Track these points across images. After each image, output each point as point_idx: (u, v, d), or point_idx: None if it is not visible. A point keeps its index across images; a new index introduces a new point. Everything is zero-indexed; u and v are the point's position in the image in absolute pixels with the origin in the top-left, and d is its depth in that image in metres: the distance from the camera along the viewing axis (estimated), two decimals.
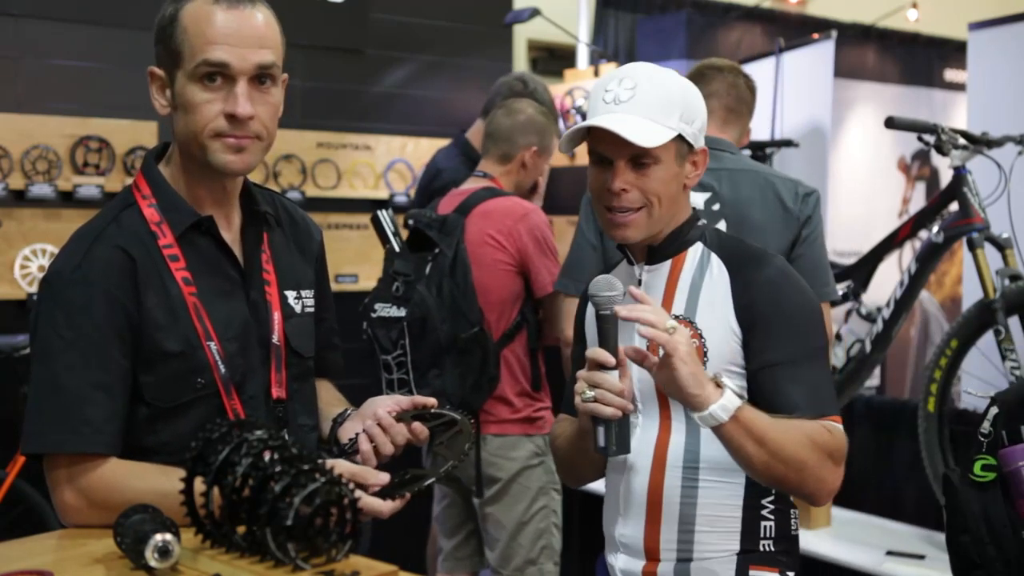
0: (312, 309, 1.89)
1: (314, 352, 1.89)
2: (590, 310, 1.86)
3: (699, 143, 1.88)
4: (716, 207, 2.70)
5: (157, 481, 1.57)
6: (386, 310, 3.16)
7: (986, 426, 1.84)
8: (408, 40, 5.06)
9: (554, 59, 6.41)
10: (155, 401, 1.68)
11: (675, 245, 1.91)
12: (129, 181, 1.81)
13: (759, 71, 4.14)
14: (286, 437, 1.58)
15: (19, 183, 4.07)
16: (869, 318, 3.65)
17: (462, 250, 3.19)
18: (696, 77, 2.86)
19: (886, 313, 3.54)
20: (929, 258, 3.41)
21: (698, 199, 2.67)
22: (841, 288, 3.53)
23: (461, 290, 3.16)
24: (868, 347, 3.58)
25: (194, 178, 1.75)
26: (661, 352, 1.68)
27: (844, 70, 5.63)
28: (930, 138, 3.28)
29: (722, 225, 2.66)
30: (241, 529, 1.34)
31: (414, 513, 3.51)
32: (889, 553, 3.37)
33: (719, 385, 1.68)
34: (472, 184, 3.40)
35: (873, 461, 3.87)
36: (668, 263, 1.91)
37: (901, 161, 6.56)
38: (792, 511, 1.95)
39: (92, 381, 1.62)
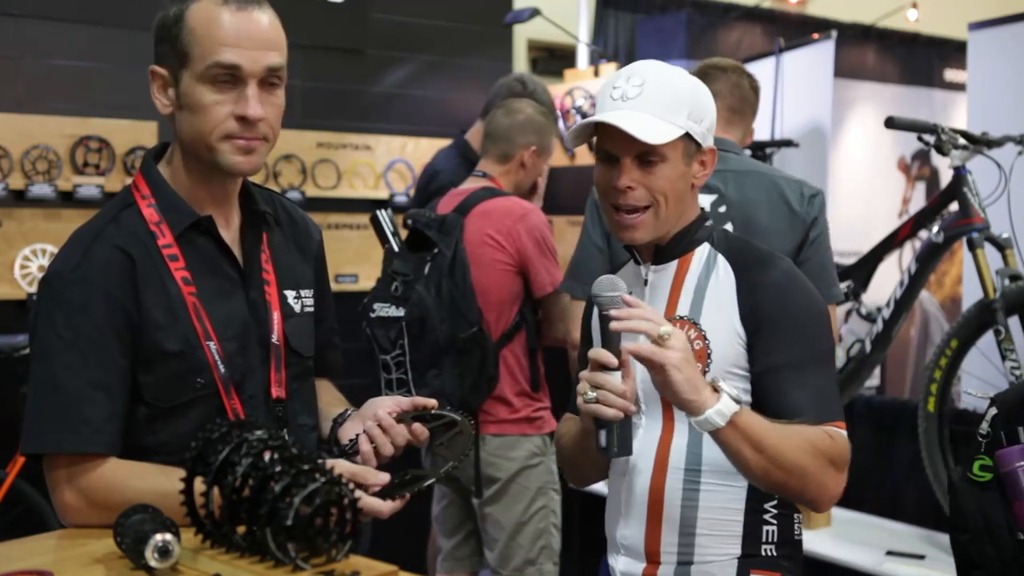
0: (312, 309, 1.89)
1: (314, 352, 1.89)
2: (596, 312, 1.84)
3: (708, 142, 1.87)
4: (723, 209, 2.69)
5: (157, 481, 1.57)
6: (385, 310, 3.16)
7: (984, 427, 1.85)
8: (408, 40, 5.06)
9: (554, 59, 6.41)
10: (155, 401, 1.68)
11: (682, 245, 1.90)
12: (129, 181, 1.80)
13: (759, 71, 4.13)
14: (286, 437, 1.58)
15: (19, 183, 4.07)
16: (869, 318, 3.65)
17: (461, 250, 3.19)
18: (699, 77, 2.84)
19: (886, 313, 3.54)
20: (929, 258, 3.41)
21: (704, 201, 2.65)
22: (841, 288, 3.53)
23: (460, 290, 3.16)
24: (868, 347, 3.58)
25: (196, 178, 1.75)
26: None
27: (844, 70, 5.63)
28: (930, 138, 3.28)
29: (729, 228, 2.64)
30: (241, 529, 1.34)
31: (414, 513, 3.51)
32: (889, 553, 3.37)
33: (717, 390, 1.67)
34: (471, 184, 3.40)
35: (873, 461, 3.87)
36: (674, 263, 1.90)
37: (901, 161, 6.56)
38: (796, 515, 1.93)
39: (91, 381, 1.62)
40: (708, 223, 1.93)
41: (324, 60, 4.71)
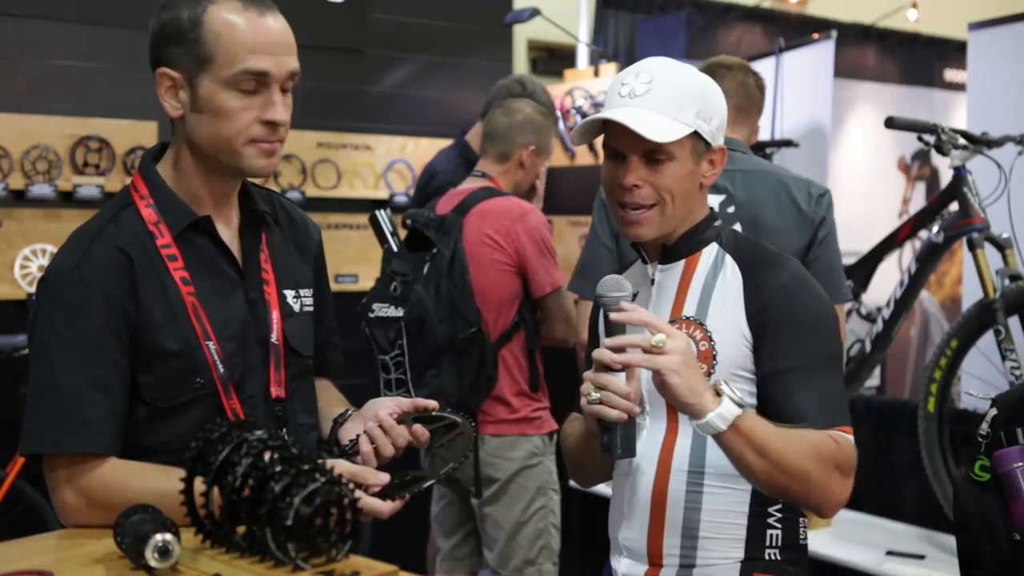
0: (311, 308, 1.89)
1: (313, 351, 1.89)
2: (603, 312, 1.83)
3: (717, 141, 1.84)
4: (731, 209, 2.68)
5: (157, 481, 1.57)
6: (384, 310, 3.16)
7: (984, 427, 1.85)
8: (408, 40, 5.06)
9: (554, 59, 6.41)
10: (154, 401, 1.68)
11: (689, 245, 1.87)
12: (129, 181, 1.80)
13: (759, 71, 4.13)
14: (286, 437, 1.58)
15: (19, 183, 4.07)
16: (869, 318, 3.66)
17: (460, 250, 3.19)
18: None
19: (886, 313, 3.54)
20: (929, 258, 3.41)
21: (713, 201, 2.63)
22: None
23: (459, 290, 3.15)
24: (868, 347, 3.58)
25: (200, 179, 1.75)
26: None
27: (844, 70, 5.63)
28: (930, 138, 3.28)
29: (737, 228, 2.63)
30: (241, 529, 1.34)
31: (414, 513, 3.51)
32: (889, 553, 3.37)
33: (719, 393, 1.65)
34: (470, 184, 3.39)
35: (873, 461, 3.87)
36: (682, 263, 1.88)
37: (901, 161, 6.56)
38: (801, 519, 1.91)
39: (91, 381, 1.62)
40: (717, 223, 1.91)
41: (324, 60, 4.71)
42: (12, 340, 3.79)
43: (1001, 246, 3.17)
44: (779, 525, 1.86)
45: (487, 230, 3.23)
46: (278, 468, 1.31)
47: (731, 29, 6.09)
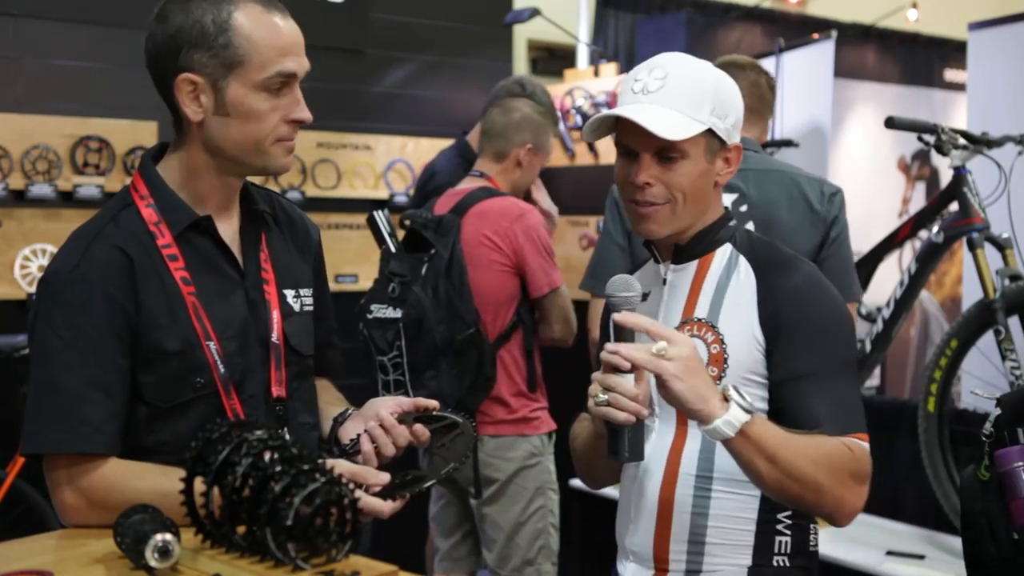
0: (311, 308, 1.89)
1: (313, 350, 1.89)
2: None
3: (732, 139, 1.80)
4: (744, 208, 2.69)
5: (157, 481, 1.57)
6: (382, 311, 3.15)
7: (988, 427, 1.85)
8: (408, 40, 5.06)
9: (554, 59, 6.41)
10: (154, 401, 1.68)
11: (703, 245, 1.84)
12: (129, 181, 1.81)
13: None
14: (286, 437, 1.58)
15: (19, 183, 4.07)
16: (869, 318, 3.65)
17: (458, 251, 3.19)
18: None
19: (886, 313, 3.54)
20: (929, 258, 3.41)
21: (726, 200, 2.63)
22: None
23: (457, 291, 3.15)
24: (868, 347, 3.58)
25: (212, 180, 1.75)
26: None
27: (844, 70, 5.63)
28: (930, 138, 3.28)
29: (750, 227, 2.64)
30: (241, 529, 1.34)
31: (414, 513, 3.51)
32: (889, 553, 3.37)
33: (727, 399, 1.61)
34: (468, 184, 3.39)
35: (873, 461, 3.87)
36: (695, 263, 1.84)
37: (901, 161, 6.55)
38: (811, 526, 1.86)
39: (91, 381, 1.62)
40: (732, 223, 1.87)
41: (324, 60, 4.68)
42: (12, 340, 3.79)
43: (1001, 246, 3.17)
44: (788, 532, 1.82)
45: (485, 231, 3.23)
46: (278, 468, 1.31)
47: (731, 29, 6.09)
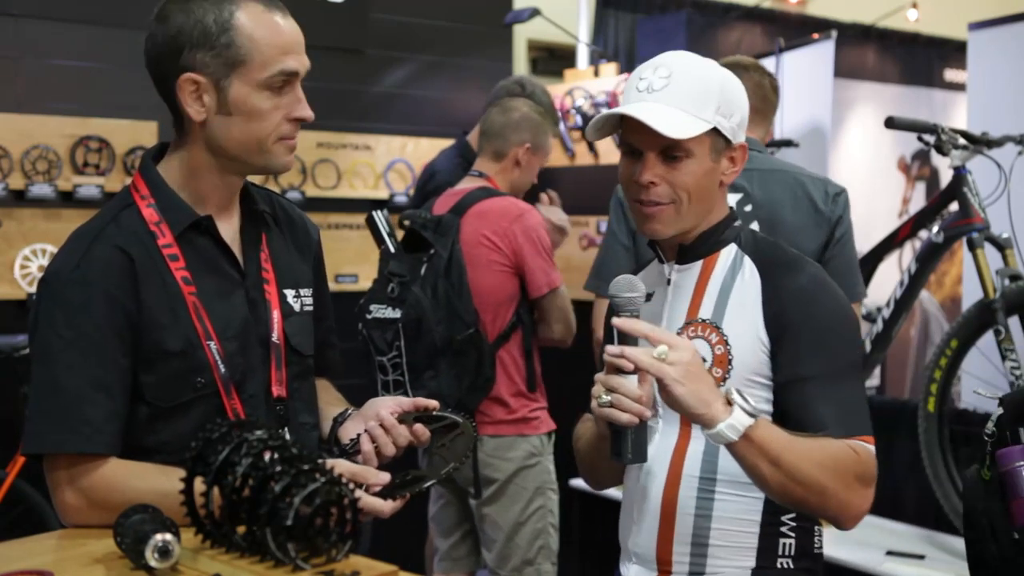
0: (311, 308, 1.89)
1: (314, 350, 1.89)
2: None
3: (738, 138, 1.79)
4: (748, 208, 2.70)
5: (157, 481, 1.57)
6: (381, 311, 3.15)
7: (990, 426, 1.84)
8: (408, 40, 5.06)
9: (554, 59, 6.41)
10: (155, 401, 1.68)
11: (707, 245, 1.82)
12: (129, 181, 1.81)
13: None
14: (286, 437, 1.58)
15: (19, 183, 4.07)
16: (869, 318, 3.65)
17: (457, 251, 3.19)
18: None
19: (886, 313, 3.54)
20: (929, 258, 3.41)
21: (730, 200, 2.62)
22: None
23: (456, 291, 3.15)
24: (868, 347, 3.58)
25: (214, 180, 1.75)
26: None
27: (844, 70, 5.63)
28: (930, 138, 3.28)
29: (755, 227, 2.64)
30: (241, 529, 1.34)
31: (414, 513, 3.51)
32: (889, 553, 3.37)
33: (730, 402, 1.60)
34: (468, 184, 3.39)
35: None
36: (699, 263, 1.83)
37: (901, 161, 6.55)
38: (816, 528, 1.85)
39: (92, 381, 1.62)
40: (736, 223, 1.86)
41: (324, 60, 4.68)
42: (12, 340, 3.79)
43: (1001, 246, 3.18)
44: (793, 534, 1.81)
45: (484, 231, 3.23)
46: (278, 468, 1.31)
47: (731, 29, 6.09)
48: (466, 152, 3.94)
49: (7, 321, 4.00)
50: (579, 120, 4.81)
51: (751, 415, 1.60)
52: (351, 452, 1.79)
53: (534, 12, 4.73)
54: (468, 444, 1.77)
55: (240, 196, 1.82)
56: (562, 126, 4.80)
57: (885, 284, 3.83)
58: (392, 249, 3.23)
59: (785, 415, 1.73)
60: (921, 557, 3.33)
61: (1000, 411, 1.85)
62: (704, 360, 1.76)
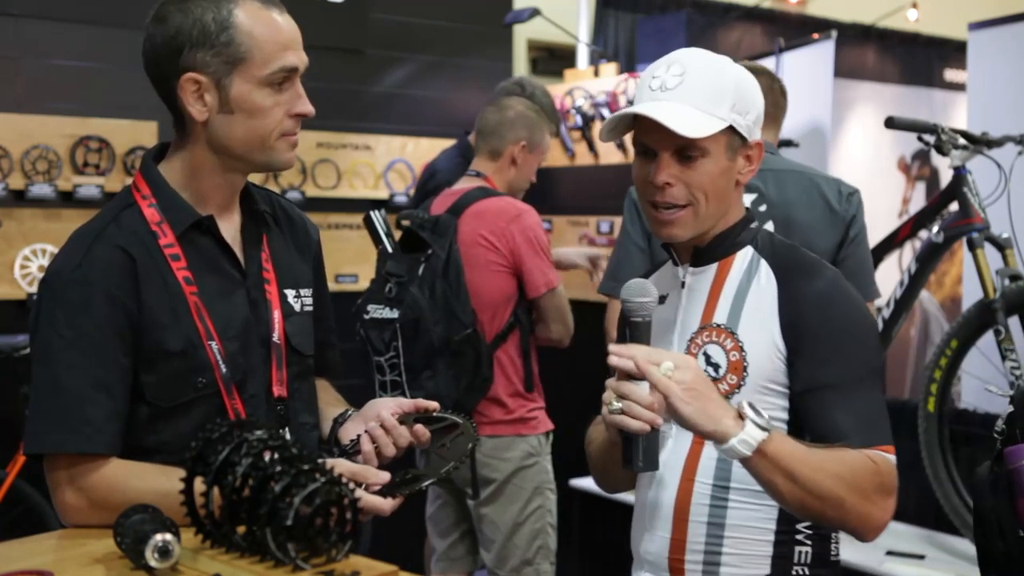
0: (311, 308, 1.89)
1: (314, 350, 1.90)
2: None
3: (754, 136, 1.75)
4: (763, 208, 2.71)
5: (157, 481, 1.57)
6: (379, 311, 3.15)
7: (1000, 424, 1.84)
8: (408, 40, 5.06)
9: (554, 59, 6.41)
10: (156, 401, 1.68)
11: (723, 247, 1.78)
12: (129, 181, 1.81)
13: None
14: (286, 437, 1.58)
15: (19, 183, 4.07)
16: None
17: (455, 251, 3.18)
18: None
19: (886, 313, 3.54)
20: (929, 258, 3.41)
21: (745, 200, 2.64)
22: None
23: (454, 291, 3.15)
24: None
25: (216, 179, 1.75)
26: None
27: (844, 70, 5.63)
28: (930, 138, 3.28)
29: (769, 226, 2.65)
30: (241, 529, 1.34)
31: (414, 513, 3.51)
32: (889, 553, 3.37)
33: (742, 416, 1.56)
34: (465, 184, 3.39)
35: None
36: (714, 266, 1.79)
37: (901, 161, 6.55)
38: (833, 535, 1.82)
39: (93, 381, 1.63)
40: (753, 225, 1.82)
41: (324, 60, 4.69)
42: (12, 340, 3.79)
43: (1001, 246, 3.17)
44: (808, 542, 1.78)
45: (482, 231, 3.22)
46: (278, 468, 1.31)
47: (731, 29, 6.09)
48: (467, 152, 3.94)
49: (7, 321, 3.99)
50: (579, 120, 4.81)
51: (764, 429, 1.56)
52: (351, 452, 1.79)
53: (534, 12, 4.73)
54: (468, 443, 1.77)
55: (240, 196, 1.82)
56: (562, 126, 4.80)
57: (885, 284, 3.82)
58: (390, 249, 3.23)
59: (803, 424, 1.71)
60: (921, 557, 3.33)
61: (1011, 409, 1.84)
62: (719, 366, 1.74)
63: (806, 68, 4.58)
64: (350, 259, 4.82)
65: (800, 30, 5.87)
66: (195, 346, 1.69)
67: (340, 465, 1.60)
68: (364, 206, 4.77)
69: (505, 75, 4.84)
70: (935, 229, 3.42)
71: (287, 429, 1.78)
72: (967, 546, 3.30)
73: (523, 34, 5.97)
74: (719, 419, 1.55)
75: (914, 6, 7.01)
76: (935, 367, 3.31)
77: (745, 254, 1.79)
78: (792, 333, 1.71)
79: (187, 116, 1.71)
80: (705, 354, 1.76)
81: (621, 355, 1.55)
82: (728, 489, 1.75)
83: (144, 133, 4.30)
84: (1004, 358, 3.04)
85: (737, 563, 1.75)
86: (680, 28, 5.62)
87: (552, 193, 4.90)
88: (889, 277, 4.07)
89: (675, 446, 1.78)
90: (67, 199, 4.17)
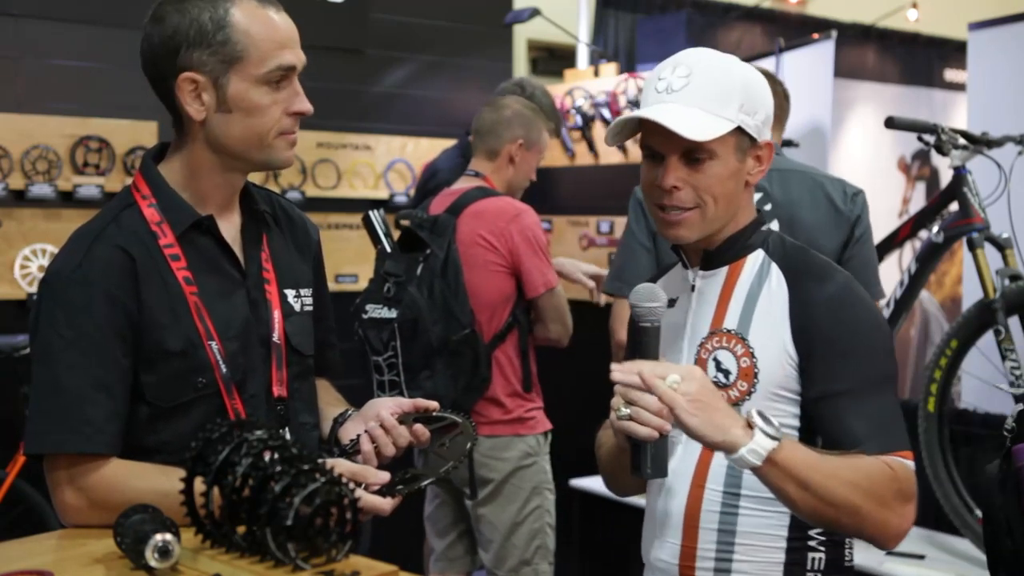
0: (311, 308, 1.89)
1: (314, 350, 1.90)
2: None
3: (763, 136, 1.72)
4: (768, 207, 2.72)
5: (157, 481, 1.57)
6: (377, 311, 3.15)
7: (1009, 422, 1.83)
8: (408, 40, 5.06)
9: (554, 59, 6.41)
10: (156, 401, 1.68)
11: (734, 250, 1.75)
12: (129, 181, 1.81)
13: None
14: (286, 437, 1.58)
15: (19, 183, 4.07)
16: None
17: (453, 251, 3.18)
18: None
19: (886, 313, 3.54)
20: (929, 258, 3.41)
21: None
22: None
23: (452, 291, 3.15)
24: None
25: (216, 179, 1.75)
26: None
27: (844, 70, 5.63)
28: (930, 138, 3.28)
29: (774, 226, 2.65)
30: (241, 529, 1.34)
31: (414, 513, 3.51)
32: (889, 553, 3.36)
33: (751, 425, 1.53)
34: (464, 184, 3.39)
35: None
36: (725, 270, 1.76)
37: (901, 161, 6.55)
38: (847, 540, 1.79)
39: (93, 381, 1.63)
40: (764, 228, 1.78)
41: (324, 60, 4.71)
42: (12, 340, 3.79)
43: (1001, 246, 3.17)
44: (822, 548, 1.75)
45: (480, 231, 3.22)
46: (278, 468, 1.31)
47: (731, 29, 6.09)
48: (468, 152, 3.93)
49: (7, 321, 3.99)
50: (579, 120, 4.81)
51: (773, 437, 1.53)
52: (351, 452, 1.79)
53: (534, 12, 4.73)
54: (468, 443, 1.77)
55: (240, 196, 1.82)
56: (562, 126, 4.79)
57: (885, 284, 3.82)
58: (388, 249, 3.23)
59: (817, 430, 1.69)
60: (921, 557, 3.33)
61: (1021, 407, 1.84)
62: (729, 373, 1.72)
63: (806, 68, 4.58)
64: (350, 259, 4.82)
65: (800, 30, 5.88)
66: (195, 346, 1.69)
67: (340, 465, 1.60)
68: (364, 206, 4.76)
69: (505, 75, 4.84)
70: (935, 229, 3.42)
71: (287, 429, 1.78)
72: (967, 546, 3.30)
73: (523, 34, 5.97)
74: (727, 429, 1.52)
75: (914, 6, 7.02)
76: (935, 367, 3.31)
77: (756, 257, 1.77)
78: (804, 339, 1.68)
79: (185, 116, 1.71)
80: (715, 360, 1.74)
81: (626, 372, 1.53)
82: (739, 496, 1.73)
83: (144, 133, 4.30)
84: (1004, 358, 3.04)
85: (749, 571, 1.73)
86: (680, 28, 5.63)
87: (552, 193, 4.90)
88: (889, 277, 4.07)
89: (685, 453, 1.76)
90: (67, 199, 4.17)
